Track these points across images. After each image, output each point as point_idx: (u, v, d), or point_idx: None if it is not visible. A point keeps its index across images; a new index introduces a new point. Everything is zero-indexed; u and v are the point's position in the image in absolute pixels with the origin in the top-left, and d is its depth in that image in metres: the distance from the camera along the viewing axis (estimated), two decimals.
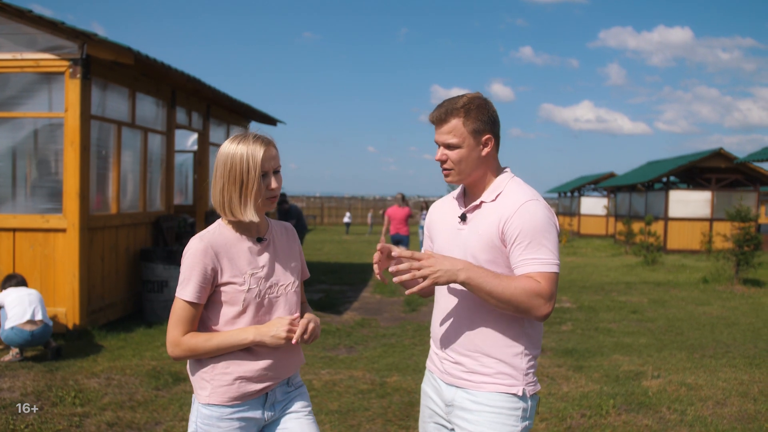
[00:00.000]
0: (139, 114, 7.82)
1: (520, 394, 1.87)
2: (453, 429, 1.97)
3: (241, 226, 1.94)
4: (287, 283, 1.98)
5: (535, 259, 1.79)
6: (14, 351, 5.54)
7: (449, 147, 1.90)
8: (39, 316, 5.51)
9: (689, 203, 19.65)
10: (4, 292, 5.67)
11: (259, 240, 1.96)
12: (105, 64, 6.76)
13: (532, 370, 1.92)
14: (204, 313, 1.92)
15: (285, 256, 2.02)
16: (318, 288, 10.70)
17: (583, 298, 10.01)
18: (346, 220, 31.73)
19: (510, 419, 1.86)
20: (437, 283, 1.76)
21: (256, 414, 1.94)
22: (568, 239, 23.77)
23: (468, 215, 1.95)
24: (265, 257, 1.95)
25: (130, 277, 7.63)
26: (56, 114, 6.53)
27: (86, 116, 6.51)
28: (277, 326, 1.87)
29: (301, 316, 2.01)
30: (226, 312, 1.90)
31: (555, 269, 1.80)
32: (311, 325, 1.92)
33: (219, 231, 1.93)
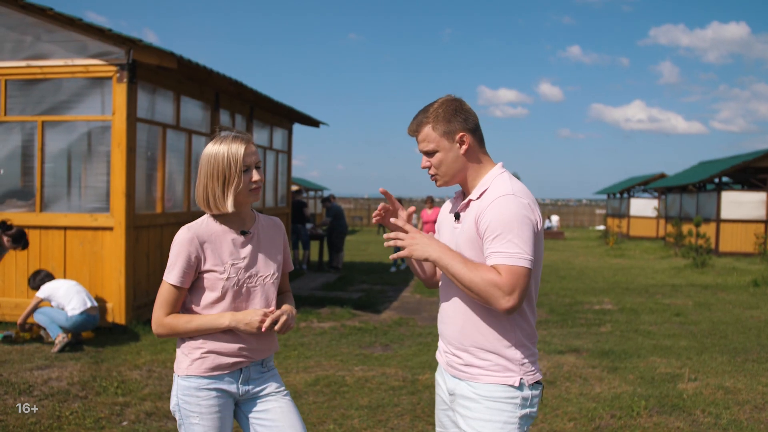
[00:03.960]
0: (184, 116, 8.08)
1: (516, 384, 1.92)
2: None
3: (226, 219, 2.11)
4: (267, 274, 2.15)
5: (499, 252, 1.83)
6: (59, 339, 5.82)
7: (428, 154, 2.01)
8: (94, 303, 6.14)
9: (742, 204, 18.98)
10: (47, 285, 5.99)
11: (243, 233, 2.12)
12: (150, 69, 7.02)
13: (529, 360, 1.96)
14: (187, 297, 2.11)
15: (268, 249, 2.18)
16: (358, 287, 10.82)
17: (625, 300, 9.84)
18: None
19: (508, 407, 1.92)
20: (412, 256, 1.93)
21: (231, 387, 2.13)
22: (617, 241, 23.26)
23: (461, 214, 2.03)
24: (247, 249, 2.12)
25: None
26: (105, 117, 6.82)
27: (132, 119, 6.77)
28: (251, 315, 2.05)
29: (280, 305, 2.19)
30: (207, 297, 2.08)
31: (521, 263, 1.81)
32: (283, 317, 2.08)
33: (206, 223, 2.10)
